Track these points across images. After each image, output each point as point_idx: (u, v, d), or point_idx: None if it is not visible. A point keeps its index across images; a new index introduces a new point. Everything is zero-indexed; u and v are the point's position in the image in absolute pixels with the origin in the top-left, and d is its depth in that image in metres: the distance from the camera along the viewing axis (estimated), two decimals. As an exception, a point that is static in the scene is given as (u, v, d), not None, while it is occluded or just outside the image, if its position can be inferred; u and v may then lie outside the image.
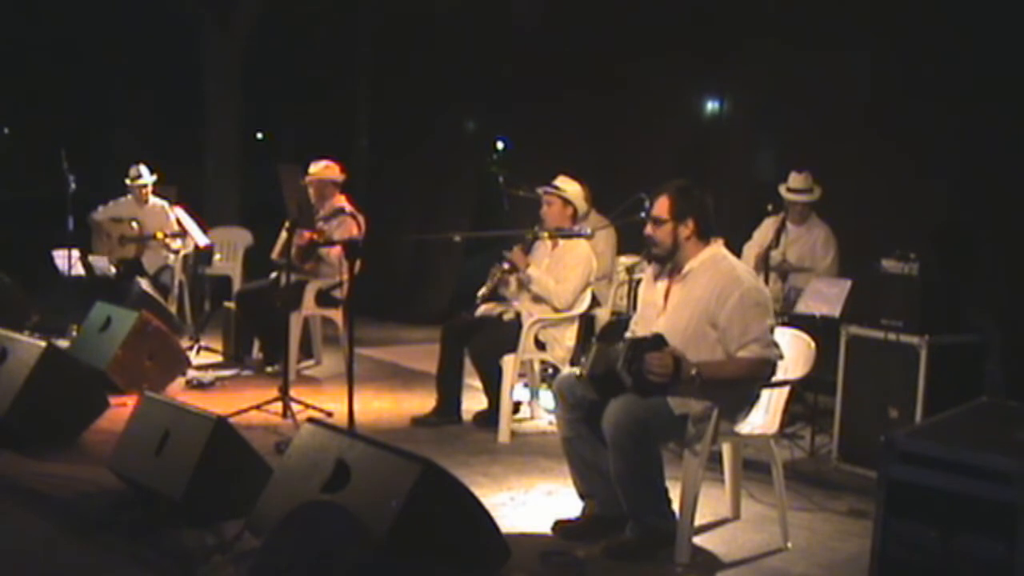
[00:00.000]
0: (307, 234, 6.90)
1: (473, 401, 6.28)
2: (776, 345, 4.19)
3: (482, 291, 6.31)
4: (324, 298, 7.35)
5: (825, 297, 5.79)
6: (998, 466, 3.17)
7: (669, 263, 4.35)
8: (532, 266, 6.12)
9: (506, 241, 6.42)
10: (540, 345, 6.10)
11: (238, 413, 5.84)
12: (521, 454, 5.63)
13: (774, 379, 4.27)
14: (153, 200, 8.88)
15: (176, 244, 8.61)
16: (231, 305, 7.81)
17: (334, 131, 11.26)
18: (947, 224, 6.42)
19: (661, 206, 4.29)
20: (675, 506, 4.23)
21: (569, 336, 6.11)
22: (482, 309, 6.36)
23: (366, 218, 6.98)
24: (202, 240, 8.35)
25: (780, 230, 6.37)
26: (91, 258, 8.50)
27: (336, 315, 7.40)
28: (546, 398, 6.23)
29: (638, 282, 5.55)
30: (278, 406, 6.08)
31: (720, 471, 4.72)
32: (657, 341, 4.07)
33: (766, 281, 5.89)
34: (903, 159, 6.60)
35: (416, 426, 6.14)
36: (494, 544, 3.81)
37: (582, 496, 4.50)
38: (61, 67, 13.78)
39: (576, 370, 4.36)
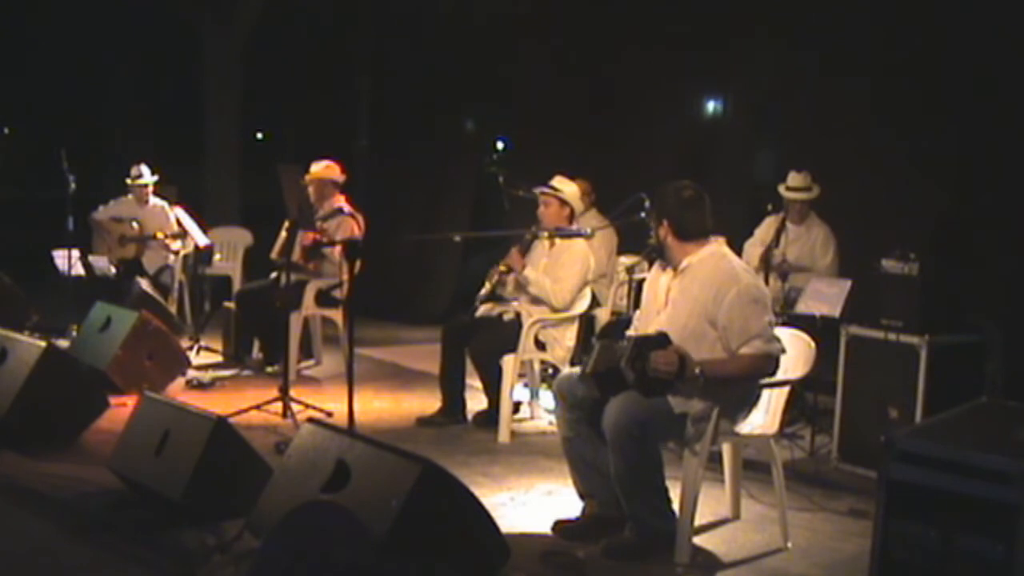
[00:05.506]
0: (311, 235, 6.91)
1: (473, 401, 6.28)
2: (777, 339, 4.20)
3: (480, 294, 6.31)
4: (324, 298, 7.35)
5: (825, 297, 5.79)
6: (998, 466, 3.17)
7: (668, 259, 4.37)
8: (529, 267, 6.12)
9: (506, 241, 6.41)
10: (540, 345, 6.09)
11: (238, 413, 5.84)
12: (521, 454, 5.63)
13: (774, 379, 4.28)
14: (153, 200, 8.88)
15: (176, 244, 8.61)
16: (231, 305, 7.81)
17: (334, 131, 11.26)
18: (947, 224, 6.42)
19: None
20: (675, 506, 4.23)
21: (569, 336, 6.11)
22: (482, 309, 6.36)
23: (366, 218, 6.98)
24: (202, 240, 8.34)
25: (780, 230, 6.38)
26: (91, 258, 8.49)
27: (336, 315, 7.40)
28: (546, 398, 6.23)
29: (639, 282, 5.55)
30: (278, 406, 6.08)
31: (720, 471, 4.72)
32: (661, 339, 4.07)
33: (766, 281, 5.89)
34: (903, 159, 6.60)
35: (421, 426, 6.14)
36: (494, 544, 3.81)
37: (582, 496, 4.50)
38: (62, 68, 13.80)
39: (576, 370, 4.36)
